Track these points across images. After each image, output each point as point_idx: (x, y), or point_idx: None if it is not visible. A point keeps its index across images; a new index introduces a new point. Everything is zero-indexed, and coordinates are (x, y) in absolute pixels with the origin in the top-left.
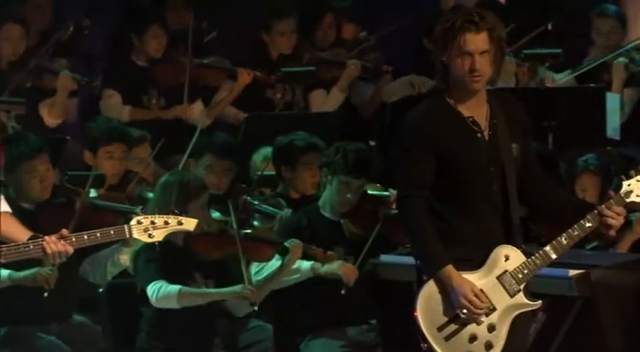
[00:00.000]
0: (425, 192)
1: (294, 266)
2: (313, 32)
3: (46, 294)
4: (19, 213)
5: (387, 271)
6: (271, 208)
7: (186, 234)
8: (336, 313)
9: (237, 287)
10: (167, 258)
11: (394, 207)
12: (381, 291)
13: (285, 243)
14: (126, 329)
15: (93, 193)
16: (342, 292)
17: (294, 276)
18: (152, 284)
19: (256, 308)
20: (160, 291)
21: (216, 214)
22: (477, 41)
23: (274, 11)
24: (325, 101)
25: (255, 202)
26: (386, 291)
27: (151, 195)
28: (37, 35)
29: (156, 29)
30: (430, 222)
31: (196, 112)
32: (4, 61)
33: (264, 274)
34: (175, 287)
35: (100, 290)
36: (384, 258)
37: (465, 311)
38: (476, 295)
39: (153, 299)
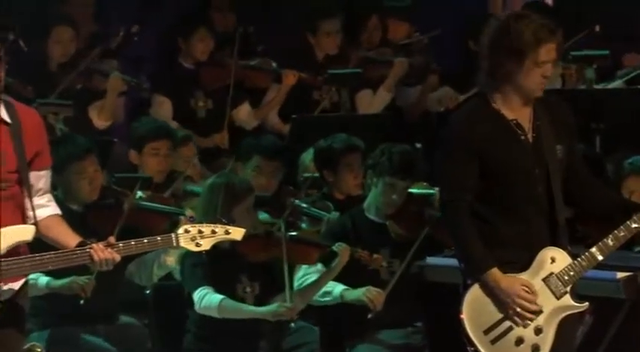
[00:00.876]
0: (467, 196)
1: (328, 288)
2: (358, 34)
3: (82, 302)
4: (67, 214)
5: (434, 273)
6: (319, 211)
7: None
8: (383, 315)
9: (273, 306)
10: (213, 261)
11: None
12: (428, 293)
13: (333, 247)
14: (172, 331)
15: (140, 195)
16: (369, 316)
17: (326, 299)
18: (198, 290)
19: (293, 324)
20: (203, 300)
21: (264, 216)
22: (553, 51)
23: (319, 11)
24: (372, 101)
25: (304, 205)
26: (432, 293)
27: (195, 189)
28: (85, 36)
29: (202, 32)
30: (473, 225)
31: (243, 114)
32: (54, 62)
33: (310, 280)
34: (217, 299)
35: (147, 291)
36: (431, 260)
37: (517, 310)
38: (526, 296)
39: (197, 306)
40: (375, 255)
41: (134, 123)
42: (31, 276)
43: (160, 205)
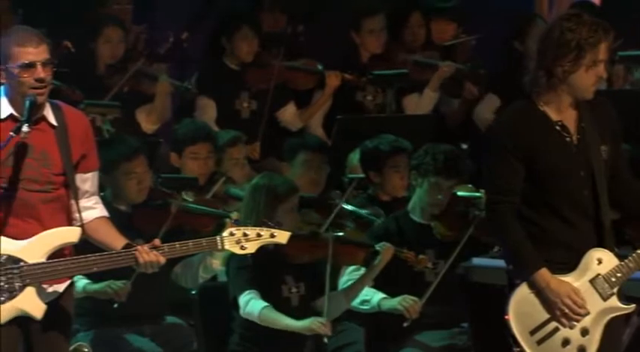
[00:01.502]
0: (513, 198)
1: (366, 297)
2: (401, 32)
3: (116, 305)
4: (114, 215)
5: (479, 274)
6: (368, 215)
7: None
8: (428, 316)
9: (307, 322)
10: (259, 262)
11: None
12: (473, 294)
13: (376, 246)
14: (217, 331)
15: (184, 196)
16: (405, 325)
17: (364, 307)
18: (244, 295)
19: (326, 340)
20: (247, 306)
21: (313, 216)
22: (606, 50)
23: (363, 9)
24: (419, 103)
25: (350, 207)
26: (478, 294)
27: (237, 191)
28: (132, 38)
29: (246, 31)
30: (520, 226)
31: (289, 115)
32: (102, 63)
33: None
34: (259, 307)
35: (193, 292)
36: (476, 261)
37: (565, 311)
38: (575, 298)
39: (241, 311)
40: (421, 256)
41: (175, 126)
42: None
43: (206, 208)
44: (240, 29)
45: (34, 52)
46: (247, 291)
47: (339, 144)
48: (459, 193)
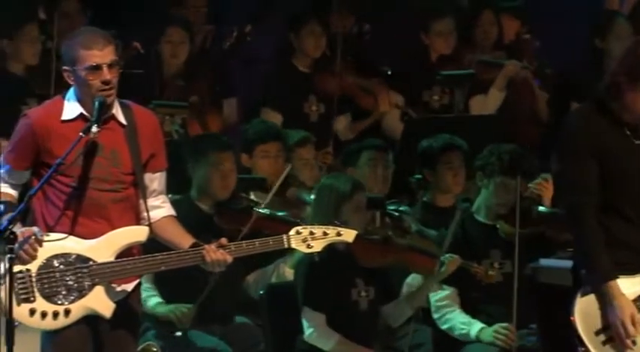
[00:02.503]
0: (593, 198)
1: (465, 327)
2: (473, 31)
3: (179, 333)
4: (196, 214)
5: (547, 275)
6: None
7: None
8: (494, 316)
9: None
10: (330, 263)
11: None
12: (541, 295)
13: (442, 258)
14: (285, 331)
15: (254, 196)
16: None
17: (462, 334)
18: (309, 320)
19: None
20: (312, 336)
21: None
22: None
23: (431, 11)
24: (485, 102)
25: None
26: (546, 295)
27: (309, 197)
28: (196, 37)
29: (313, 26)
30: (599, 230)
31: (342, 125)
32: (165, 63)
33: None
34: (333, 340)
35: (261, 292)
36: (544, 261)
37: (619, 331)
38: (632, 323)
39: (305, 336)
40: (490, 273)
41: (245, 126)
42: (143, 295)
43: (287, 215)
44: (307, 25)
45: (99, 55)
46: (312, 316)
47: (407, 144)
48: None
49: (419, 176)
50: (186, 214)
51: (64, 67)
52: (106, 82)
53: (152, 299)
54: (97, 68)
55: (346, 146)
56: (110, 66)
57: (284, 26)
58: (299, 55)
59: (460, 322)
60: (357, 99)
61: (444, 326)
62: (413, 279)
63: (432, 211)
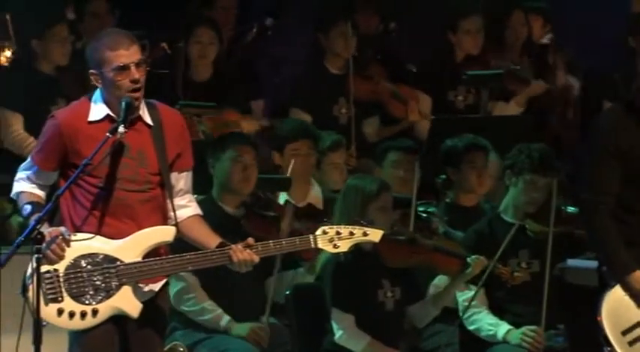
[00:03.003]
0: (610, 199)
1: (492, 328)
2: (502, 32)
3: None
4: (220, 217)
5: (574, 275)
6: (451, 230)
7: None
8: (522, 316)
9: None
10: (357, 263)
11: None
12: (569, 296)
13: (468, 259)
14: (312, 331)
15: (283, 197)
16: None
17: (489, 334)
18: (338, 322)
19: None
20: (342, 338)
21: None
22: None
23: (459, 10)
24: (504, 110)
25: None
26: (573, 296)
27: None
28: (225, 38)
29: (342, 27)
30: (615, 227)
31: (370, 128)
32: (192, 63)
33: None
34: (363, 342)
35: (287, 292)
36: (572, 262)
37: None
38: None
39: (336, 338)
40: (516, 274)
41: (277, 125)
42: (207, 317)
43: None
44: (336, 24)
45: (126, 54)
46: (341, 318)
47: (433, 143)
48: None
49: (444, 176)
50: (208, 216)
51: (91, 71)
52: (134, 81)
53: (224, 318)
54: (125, 68)
55: (372, 147)
56: (137, 65)
57: (309, 26)
58: (330, 57)
59: (487, 323)
60: (388, 106)
61: (471, 327)
62: (439, 280)
63: (455, 211)
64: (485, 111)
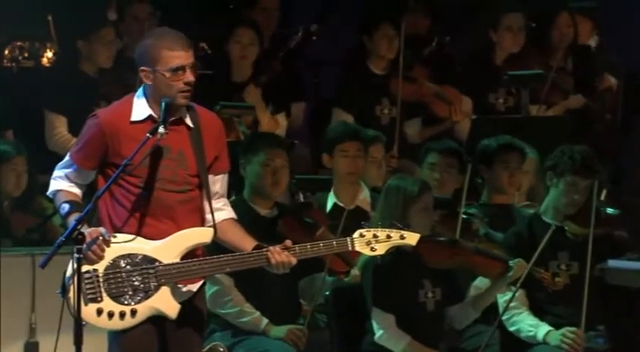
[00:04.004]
0: None
1: (532, 329)
2: (547, 32)
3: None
4: (252, 218)
5: (615, 276)
6: (492, 232)
7: (418, 241)
8: (563, 317)
9: None
10: (398, 263)
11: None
12: (610, 297)
13: (510, 262)
14: (352, 331)
15: (332, 199)
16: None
17: (529, 336)
18: (378, 322)
19: None
20: (382, 338)
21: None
22: None
23: (501, 5)
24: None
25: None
26: (614, 297)
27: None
28: (266, 40)
29: (386, 29)
30: None
31: (412, 129)
32: (234, 63)
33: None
34: (403, 341)
35: (327, 292)
36: (612, 263)
37: None
38: None
39: (376, 338)
40: (557, 279)
41: (327, 127)
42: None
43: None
44: (380, 27)
45: (183, 56)
46: (382, 318)
47: (473, 144)
48: None
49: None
50: (240, 217)
51: (143, 68)
52: (188, 83)
53: (263, 321)
54: (181, 69)
55: (414, 148)
56: (192, 67)
57: (352, 27)
58: (373, 58)
59: (528, 324)
60: (432, 106)
61: (512, 328)
62: (480, 281)
63: (489, 210)
64: (525, 112)
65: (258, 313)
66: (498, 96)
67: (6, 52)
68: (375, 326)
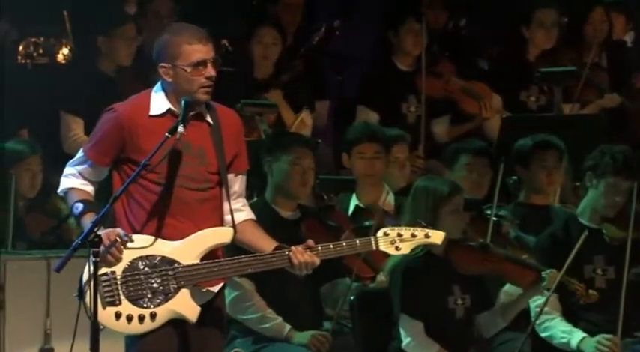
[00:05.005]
0: None
1: (564, 339)
2: (581, 28)
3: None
4: (274, 220)
5: None
6: (523, 235)
7: (448, 245)
8: (597, 324)
9: None
10: (425, 269)
11: None
12: None
13: (543, 273)
14: (377, 337)
15: (354, 201)
16: None
17: (562, 342)
18: (406, 329)
19: None
20: (412, 343)
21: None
22: None
23: (534, 1)
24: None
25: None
26: None
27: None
28: (289, 36)
29: (412, 24)
30: None
31: (440, 129)
32: (258, 65)
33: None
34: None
35: (352, 297)
36: None
37: None
38: None
39: (405, 345)
40: (591, 291)
41: (348, 126)
42: (267, 315)
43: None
44: (405, 21)
45: (204, 50)
46: (410, 325)
47: (504, 144)
48: None
49: (515, 178)
50: (261, 219)
51: (162, 64)
52: (210, 78)
53: (286, 327)
54: (202, 64)
55: (443, 147)
56: (213, 62)
57: (376, 23)
58: (399, 54)
59: (560, 330)
60: (460, 103)
61: (544, 334)
62: (510, 287)
63: (526, 211)
64: (558, 110)
65: (280, 319)
66: (530, 93)
67: (20, 48)
68: (402, 333)
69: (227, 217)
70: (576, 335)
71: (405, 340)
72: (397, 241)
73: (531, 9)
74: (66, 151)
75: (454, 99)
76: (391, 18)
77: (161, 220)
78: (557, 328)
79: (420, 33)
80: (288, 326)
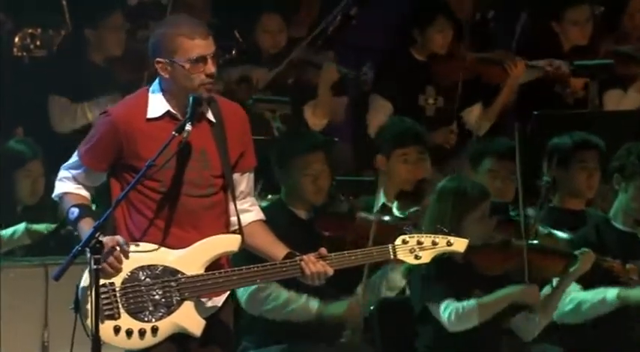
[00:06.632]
0: None
1: (598, 297)
2: (619, 18)
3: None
4: (290, 221)
5: None
6: (557, 232)
7: (468, 249)
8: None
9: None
10: (446, 271)
11: None
12: None
13: (576, 252)
14: (398, 348)
15: (383, 199)
16: None
17: (603, 307)
18: (443, 307)
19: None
20: (458, 312)
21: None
22: None
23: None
24: (621, 100)
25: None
26: None
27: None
28: (306, 26)
29: (441, 21)
30: None
31: (474, 118)
32: (264, 54)
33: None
34: (471, 302)
35: (372, 307)
36: None
37: None
38: None
39: (449, 321)
40: (629, 265)
41: (382, 125)
42: (291, 296)
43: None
44: (434, 20)
45: (203, 45)
46: (442, 307)
47: (534, 141)
48: None
49: (548, 178)
50: (278, 219)
51: (159, 59)
52: (210, 75)
53: (313, 302)
54: (202, 60)
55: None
56: (213, 57)
57: (393, 12)
58: (420, 47)
59: (591, 292)
60: (484, 76)
61: (570, 306)
62: None
63: (561, 216)
64: (593, 106)
65: (304, 297)
66: (566, 87)
67: (16, 40)
68: (441, 315)
69: (233, 219)
70: (612, 289)
71: (446, 320)
72: (417, 249)
73: (563, 5)
74: (59, 131)
75: (477, 73)
76: (419, 16)
77: (164, 229)
78: (585, 294)
79: (449, 32)
80: (316, 303)
